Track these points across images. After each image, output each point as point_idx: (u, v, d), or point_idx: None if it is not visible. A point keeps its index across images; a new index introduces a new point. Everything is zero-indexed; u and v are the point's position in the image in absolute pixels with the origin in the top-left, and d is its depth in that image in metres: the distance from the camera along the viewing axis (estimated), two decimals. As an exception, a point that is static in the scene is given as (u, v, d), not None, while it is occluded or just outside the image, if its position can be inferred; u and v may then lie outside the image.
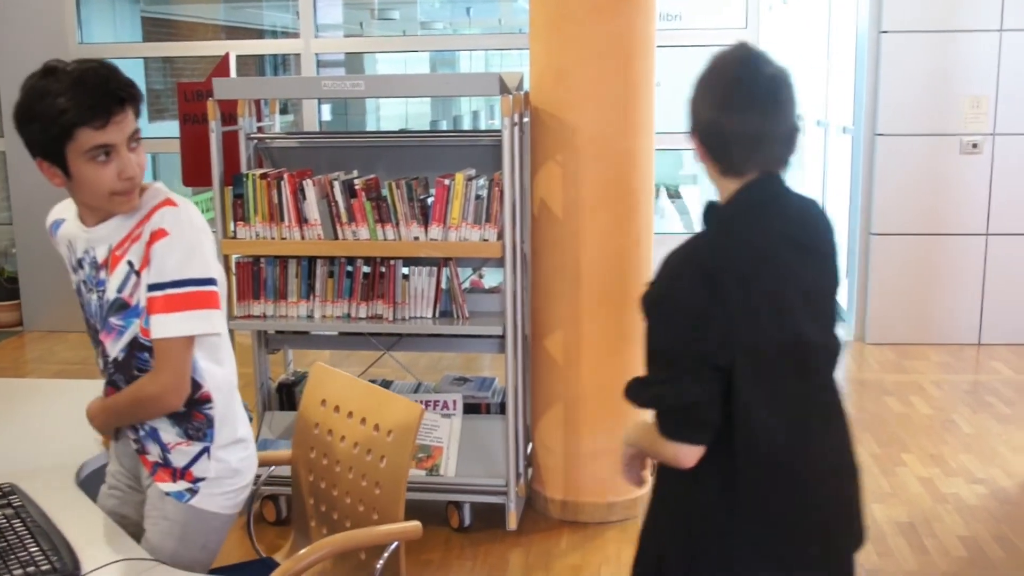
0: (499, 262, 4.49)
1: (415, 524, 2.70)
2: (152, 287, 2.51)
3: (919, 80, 7.46)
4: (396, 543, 2.71)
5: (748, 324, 2.13)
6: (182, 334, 2.53)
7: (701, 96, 2.24)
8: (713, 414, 2.15)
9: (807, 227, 2.33)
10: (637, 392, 2.25)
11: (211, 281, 2.56)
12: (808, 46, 11.73)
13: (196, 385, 2.65)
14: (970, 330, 7.57)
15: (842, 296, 8.57)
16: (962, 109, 7.42)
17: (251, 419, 4.82)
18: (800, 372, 2.24)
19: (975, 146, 7.40)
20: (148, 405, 2.63)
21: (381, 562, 2.69)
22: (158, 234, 2.51)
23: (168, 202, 2.57)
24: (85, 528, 2.56)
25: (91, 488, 2.92)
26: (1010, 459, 5.43)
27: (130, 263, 2.56)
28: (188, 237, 2.53)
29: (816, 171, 11.20)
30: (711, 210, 2.29)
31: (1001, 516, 4.79)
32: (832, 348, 2.34)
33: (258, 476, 2.94)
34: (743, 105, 2.18)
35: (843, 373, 7.23)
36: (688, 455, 2.18)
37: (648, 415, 2.27)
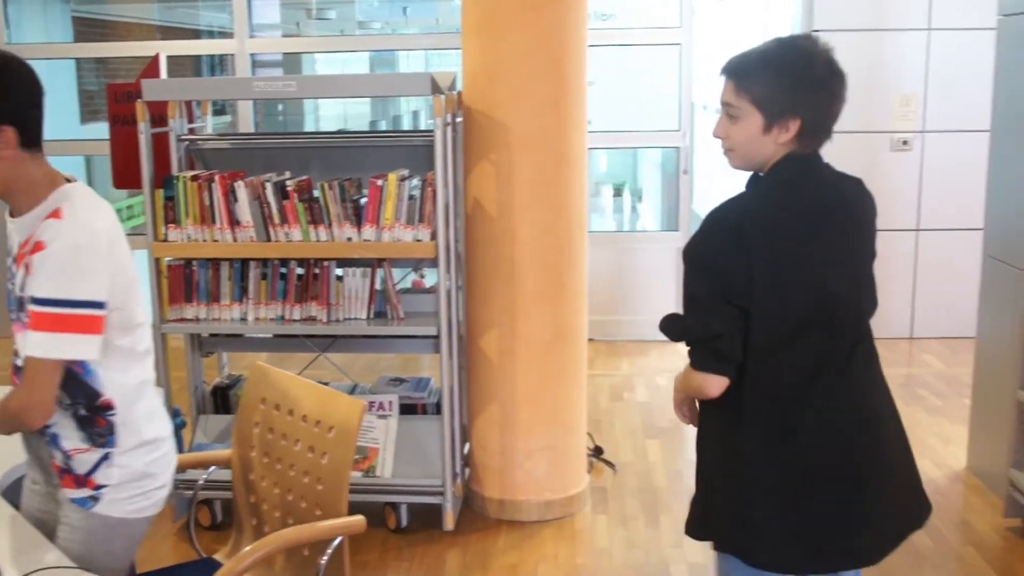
0: (433, 262, 4.47)
1: (359, 519, 2.71)
2: (32, 299, 2.44)
3: (850, 78, 7.45)
4: (340, 538, 2.72)
5: (771, 274, 2.40)
6: (47, 356, 2.43)
7: (813, 86, 2.47)
8: (735, 348, 2.42)
9: (845, 199, 2.62)
10: (669, 325, 2.55)
11: (94, 304, 2.45)
12: (743, 45, 11.84)
13: (96, 393, 2.59)
14: (902, 324, 7.67)
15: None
16: (892, 107, 7.51)
17: (184, 424, 4.82)
18: (826, 326, 2.50)
19: (905, 143, 7.50)
20: (9, 418, 2.54)
21: (325, 557, 2.70)
22: (37, 246, 2.44)
23: (55, 214, 2.48)
24: (7, 537, 2.51)
25: (14, 496, 2.87)
26: (940, 450, 5.49)
27: (27, 265, 2.49)
28: (64, 256, 2.43)
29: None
30: (755, 181, 2.56)
31: (931, 507, 4.84)
32: (863, 307, 2.65)
33: (193, 481, 2.89)
34: (842, 98, 2.51)
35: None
36: (712, 384, 2.46)
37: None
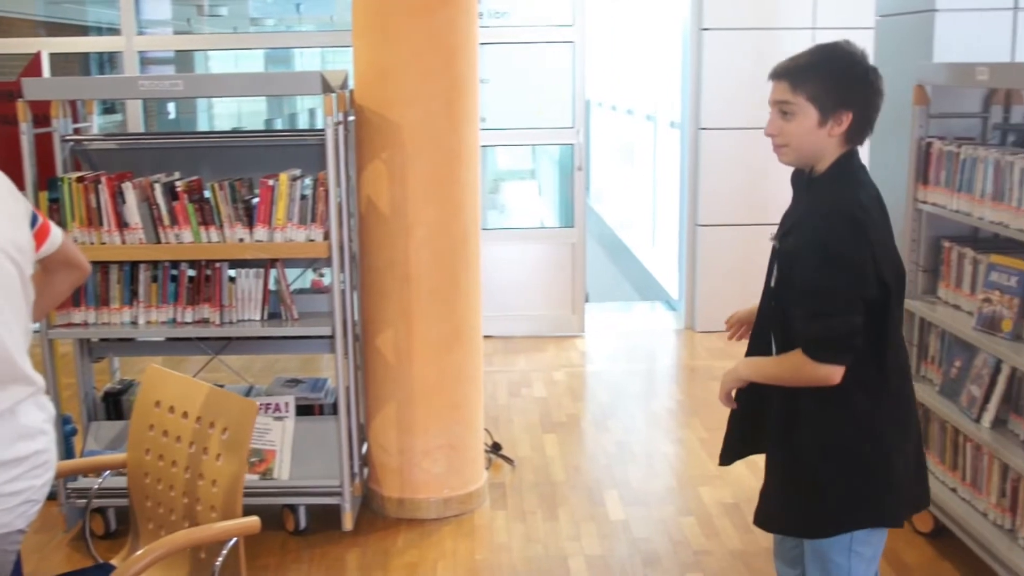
0: (326, 262, 4.43)
1: (253, 519, 2.70)
2: None
3: (740, 75, 7.64)
4: (235, 540, 2.70)
5: (885, 261, 2.67)
6: None
7: (861, 82, 2.72)
8: (859, 338, 2.63)
9: (875, 186, 2.84)
10: (809, 325, 2.66)
11: None
12: (634, 43, 11.94)
13: None
14: (793, 315, 7.81)
15: (672, 286, 8.76)
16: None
17: (75, 431, 4.70)
18: (900, 300, 2.79)
19: (793, 138, 7.62)
20: None
21: (220, 560, 2.68)
22: None
23: None
24: None
25: None
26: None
27: None
28: None
29: (647, 165, 11.42)
30: (812, 178, 2.80)
31: (822, 494, 4.94)
32: (904, 283, 2.87)
33: (86, 489, 2.82)
34: (881, 86, 2.74)
35: (672, 360, 7.38)
36: (839, 374, 2.64)
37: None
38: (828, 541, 2.81)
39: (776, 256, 2.84)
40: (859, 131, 2.74)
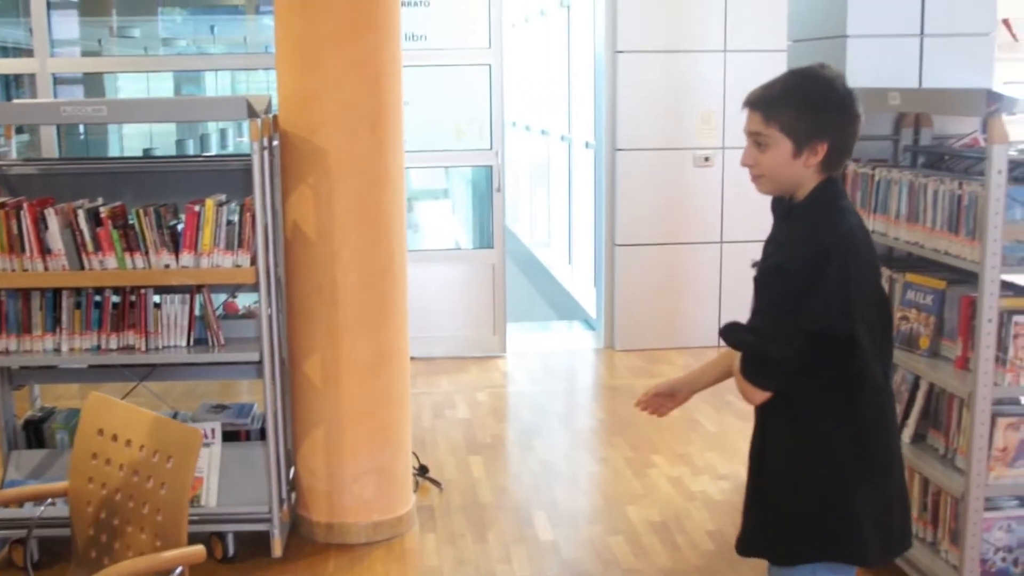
0: (253, 287, 4.40)
1: (198, 548, 2.68)
2: None
3: (654, 97, 7.75)
4: (180, 568, 2.69)
5: (860, 294, 2.61)
6: None
7: (836, 111, 2.64)
8: (790, 370, 2.59)
9: (857, 213, 2.80)
10: (732, 333, 2.66)
11: None
12: (549, 65, 12.02)
13: None
14: (710, 333, 7.88)
15: (590, 306, 8.83)
16: (694, 125, 7.76)
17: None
18: (885, 333, 2.76)
19: (707, 159, 7.75)
20: None
21: None
22: None
23: None
24: None
25: None
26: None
27: None
28: None
29: (562, 185, 11.49)
30: (792, 206, 2.73)
31: (745, 509, 5.01)
32: (891, 315, 2.87)
33: (16, 520, 2.77)
34: (857, 111, 2.65)
35: (593, 380, 7.43)
36: (759, 397, 2.64)
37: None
38: (790, 570, 2.78)
39: (754, 281, 2.75)
40: (836, 160, 2.67)
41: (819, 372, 2.64)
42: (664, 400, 3.12)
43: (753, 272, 2.76)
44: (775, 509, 2.78)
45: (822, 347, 2.60)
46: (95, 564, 3.00)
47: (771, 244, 2.77)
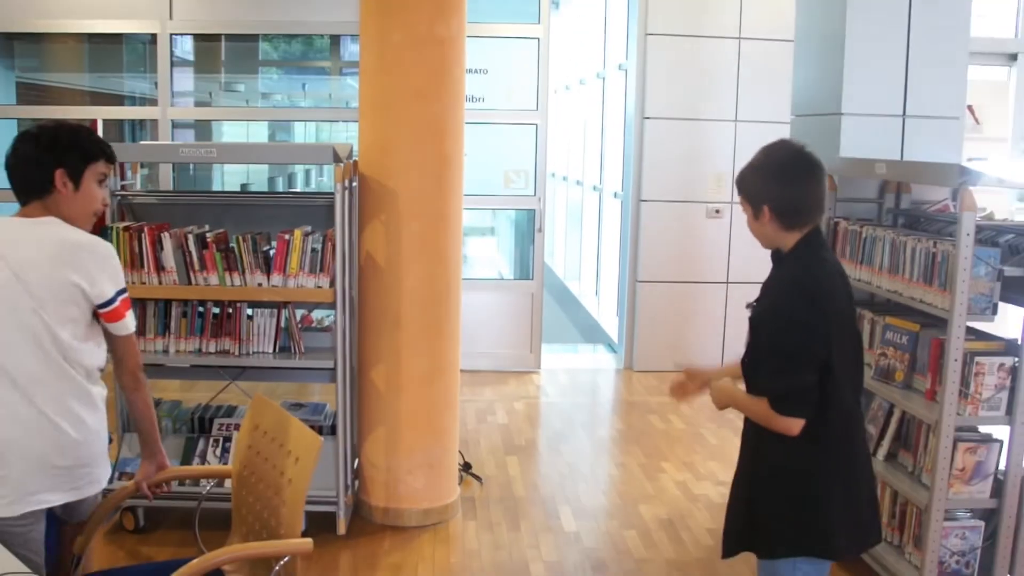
0: (331, 305, 4.46)
1: (306, 541, 2.65)
2: None
3: (674, 157, 7.78)
4: (287, 557, 2.68)
5: (837, 328, 2.65)
6: None
7: (771, 178, 2.70)
8: (815, 396, 2.62)
9: (837, 261, 2.90)
10: (759, 386, 2.71)
11: None
12: (587, 127, 12.09)
13: None
14: (715, 359, 7.89)
15: (613, 332, 8.83)
16: (707, 182, 7.78)
17: (111, 440, 4.66)
18: (857, 362, 2.80)
19: (717, 211, 7.77)
20: None
21: (279, 566, 2.67)
22: None
23: None
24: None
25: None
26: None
27: None
28: None
29: (592, 229, 11.52)
30: (782, 255, 2.77)
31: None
32: (862, 352, 2.88)
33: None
34: (810, 180, 2.70)
35: (613, 395, 7.43)
36: (799, 426, 2.63)
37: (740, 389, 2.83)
38: (774, 564, 2.80)
39: (749, 321, 2.81)
40: (789, 218, 2.68)
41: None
42: (685, 383, 3.20)
43: (748, 312, 2.82)
44: (759, 511, 2.80)
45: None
46: (242, 538, 3.04)
47: (765, 286, 2.82)
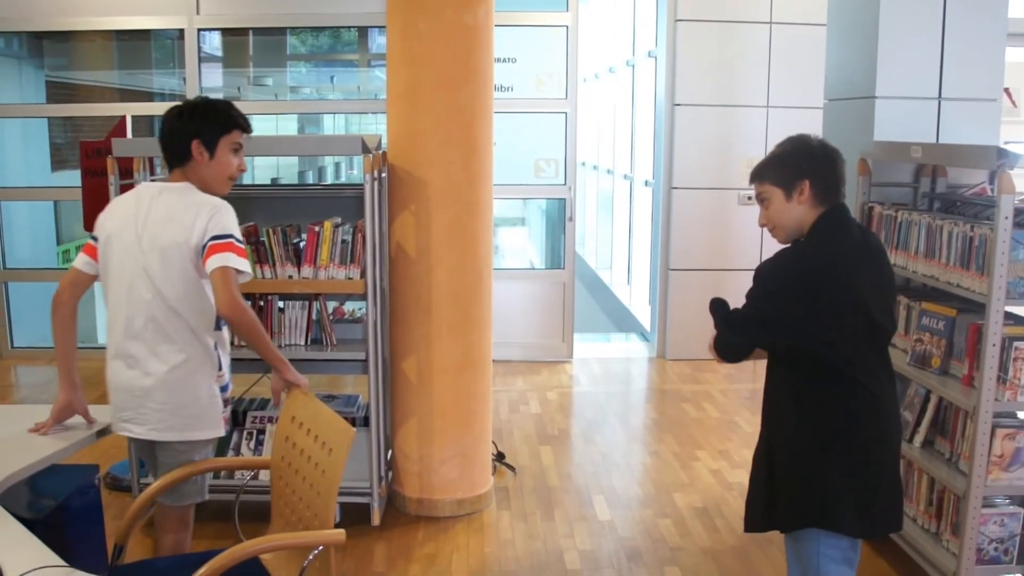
0: (362, 297, 4.47)
1: (338, 532, 2.65)
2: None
3: (705, 144, 7.74)
4: (320, 547, 2.70)
5: (834, 314, 2.68)
6: None
7: (811, 156, 2.83)
8: (743, 353, 2.87)
9: (868, 238, 2.90)
10: (714, 309, 2.90)
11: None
12: (616, 115, 12.04)
13: None
14: (748, 347, 7.85)
15: (645, 320, 8.81)
16: (739, 168, 7.73)
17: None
18: (876, 348, 2.81)
19: (750, 198, 7.71)
20: None
21: (307, 561, 2.69)
22: None
23: None
24: (3, 539, 2.45)
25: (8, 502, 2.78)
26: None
27: None
28: None
29: (623, 217, 11.49)
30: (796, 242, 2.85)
31: (775, 501, 4.97)
32: (891, 330, 2.89)
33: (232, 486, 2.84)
34: (841, 160, 2.85)
35: (646, 384, 7.42)
36: (720, 362, 3.01)
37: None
38: (798, 538, 2.85)
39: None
40: (824, 191, 2.80)
41: (814, 380, 2.77)
42: None
43: None
44: (776, 486, 2.86)
45: (802, 354, 2.75)
46: (279, 528, 3.08)
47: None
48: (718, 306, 2.88)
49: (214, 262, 2.96)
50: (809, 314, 2.68)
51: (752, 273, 2.87)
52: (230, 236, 3.00)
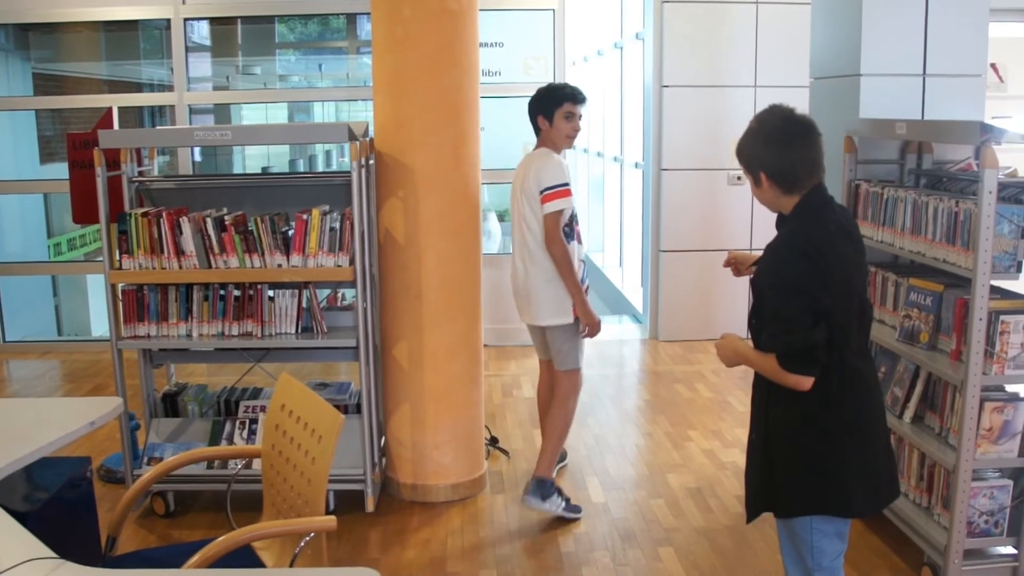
0: (351, 284, 4.47)
1: (329, 519, 2.66)
2: None
3: (694, 125, 7.73)
4: (312, 534, 2.71)
5: (837, 282, 2.63)
6: None
7: (763, 145, 2.72)
8: (821, 353, 2.63)
9: (848, 220, 2.85)
10: (765, 345, 2.70)
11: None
12: (605, 97, 12.01)
13: None
14: (740, 327, 7.85)
15: (638, 302, 8.81)
16: (728, 148, 7.71)
17: (139, 426, 4.71)
18: (862, 328, 2.78)
19: (739, 178, 7.69)
20: None
21: (299, 548, 2.70)
22: None
23: None
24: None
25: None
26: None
27: None
28: None
29: (614, 199, 11.47)
30: (784, 217, 2.79)
31: (768, 479, 4.98)
32: (871, 311, 2.87)
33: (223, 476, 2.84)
34: (802, 142, 2.70)
35: (639, 366, 7.42)
36: (808, 382, 2.65)
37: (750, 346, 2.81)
38: (791, 522, 2.84)
39: (750, 282, 2.85)
40: (786, 180, 2.71)
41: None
42: (738, 264, 3.39)
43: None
44: (775, 472, 2.82)
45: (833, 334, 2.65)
46: (271, 516, 3.08)
47: (767, 248, 2.82)
48: (763, 344, 2.73)
49: (543, 210, 4.41)
50: (827, 290, 2.63)
51: (742, 250, 2.83)
52: (554, 187, 4.40)
